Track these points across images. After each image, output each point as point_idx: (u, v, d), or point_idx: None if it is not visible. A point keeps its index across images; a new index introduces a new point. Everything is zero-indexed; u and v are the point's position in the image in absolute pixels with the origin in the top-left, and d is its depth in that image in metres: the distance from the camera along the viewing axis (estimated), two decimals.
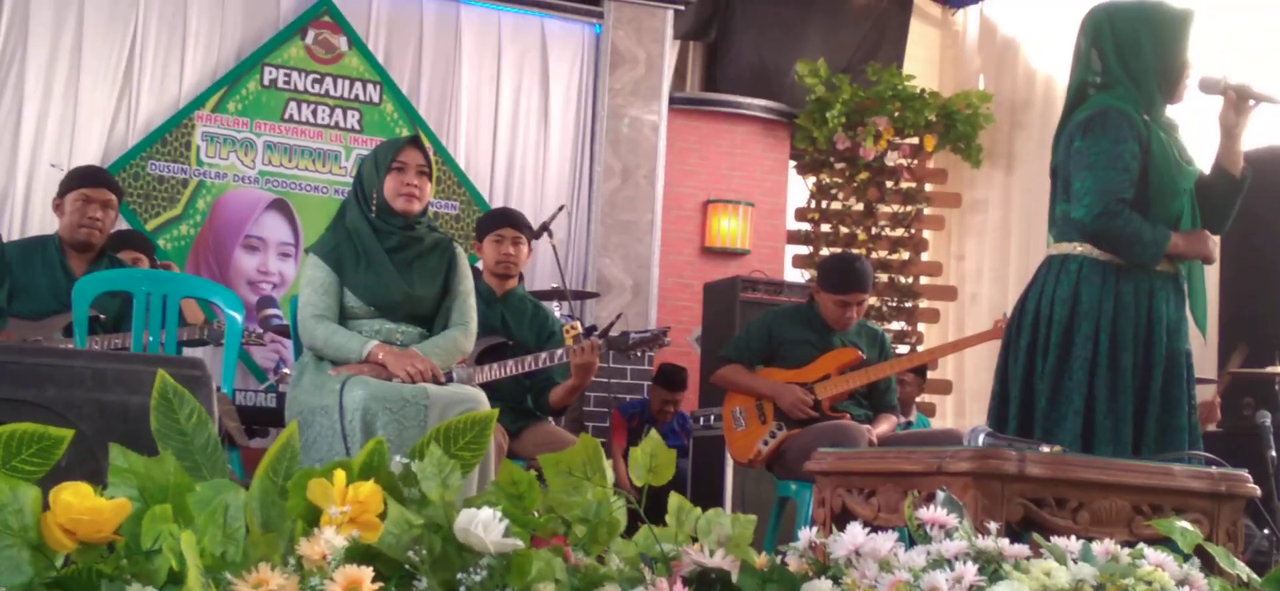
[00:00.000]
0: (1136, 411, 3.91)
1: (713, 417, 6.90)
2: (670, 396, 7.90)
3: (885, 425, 5.68)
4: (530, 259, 6.60)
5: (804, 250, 9.52)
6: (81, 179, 5.51)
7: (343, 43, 8.41)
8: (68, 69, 7.82)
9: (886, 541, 2.07)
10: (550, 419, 5.50)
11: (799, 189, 9.77)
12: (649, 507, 2.20)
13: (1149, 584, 2.11)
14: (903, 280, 9.41)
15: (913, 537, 2.21)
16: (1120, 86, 4.00)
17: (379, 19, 8.53)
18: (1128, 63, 4.00)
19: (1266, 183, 7.48)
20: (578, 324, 6.44)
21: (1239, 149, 4.01)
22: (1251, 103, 3.99)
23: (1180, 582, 2.16)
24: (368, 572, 1.75)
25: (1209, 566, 2.39)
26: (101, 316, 5.26)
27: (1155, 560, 2.18)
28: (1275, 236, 7.41)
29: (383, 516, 1.89)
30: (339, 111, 8.37)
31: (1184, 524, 2.42)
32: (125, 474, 1.89)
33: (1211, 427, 6.91)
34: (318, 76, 8.34)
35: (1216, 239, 4.09)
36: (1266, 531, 6.12)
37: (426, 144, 4.80)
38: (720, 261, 9.20)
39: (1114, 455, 3.76)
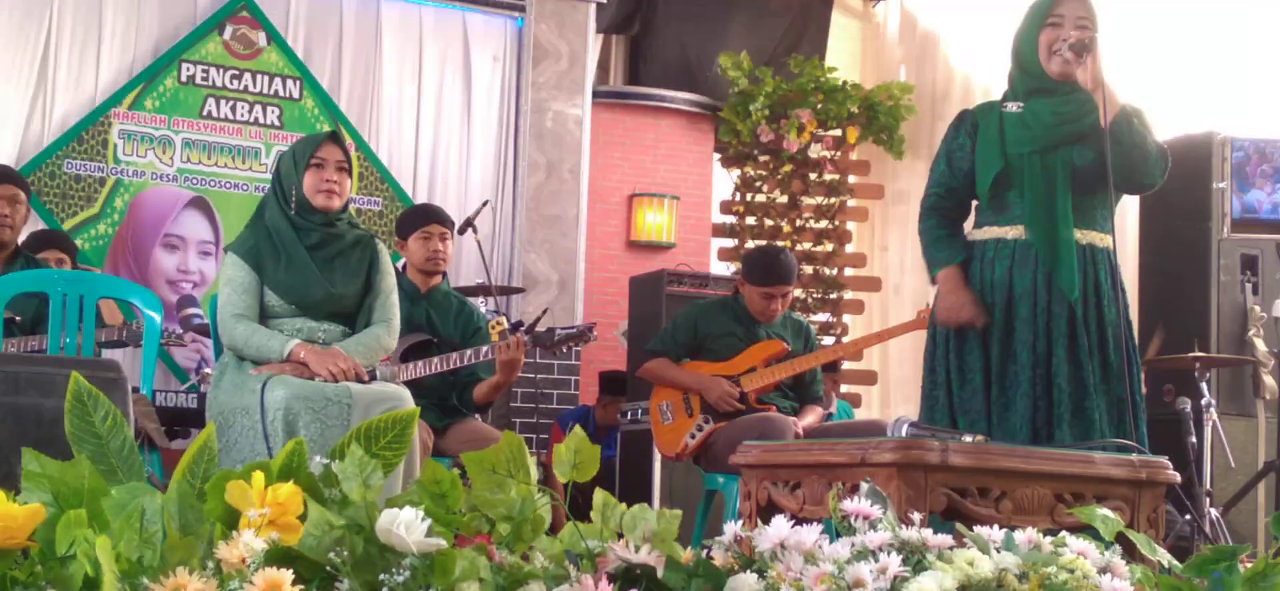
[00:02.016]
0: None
1: (639, 412, 6.90)
2: (615, 402, 7.86)
3: (811, 416, 5.70)
4: (454, 255, 6.56)
5: (729, 243, 9.54)
6: None
7: (261, 38, 8.33)
8: None
9: (811, 534, 2.07)
10: (476, 415, 5.47)
11: (724, 181, 9.79)
12: (575, 504, 2.19)
13: (1071, 571, 2.13)
14: (827, 272, 9.45)
15: (837, 530, 2.21)
16: None
17: (298, 14, 8.45)
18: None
19: (1184, 170, 7.60)
20: (503, 319, 6.40)
21: (1104, 95, 4.06)
22: (1074, 47, 4.11)
23: (1102, 570, 2.18)
24: (288, 575, 1.73)
25: (1131, 553, 2.41)
26: (17, 318, 5.18)
27: (1077, 548, 2.19)
28: (1192, 223, 7.51)
29: (303, 518, 1.87)
30: (258, 107, 8.28)
31: (1105, 511, 2.44)
32: (39, 478, 1.86)
33: None
34: (236, 72, 8.25)
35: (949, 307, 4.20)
36: (1188, 517, 6.21)
37: (346, 139, 4.76)
38: (646, 255, 9.20)
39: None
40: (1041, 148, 4.13)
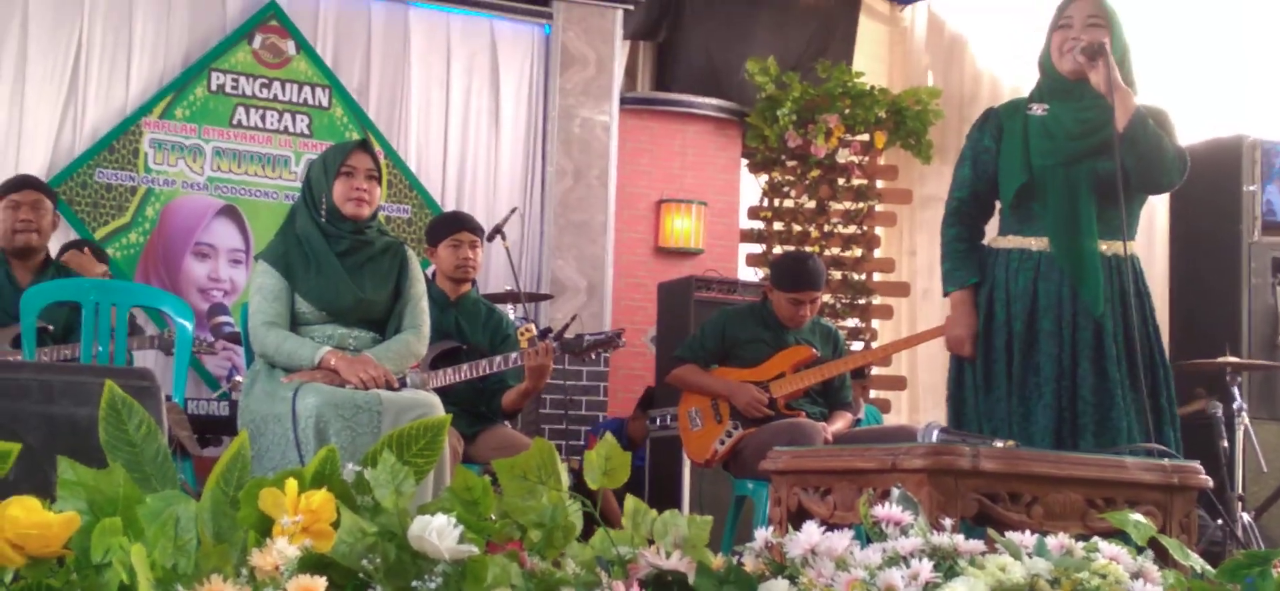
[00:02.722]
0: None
1: (669, 418, 6.89)
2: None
3: (840, 422, 5.69)
4: (483, 262, 6.58)
5: (757, 249, 9.52)
6: (3, 188, 5.49)
7: (290, 46, 8.36)
8: (12, 79, 7.73)
9: (842, 540, 2.07)
10: (505, 422, 5.48)
11: (751, 187, 9.78)
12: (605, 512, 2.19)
13: (1103, 577, 2.12)
14: (855, 277, 9.43)
15: (868, 535, 2.21)
16: None
17: (327, 22, 8.48)
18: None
19: (1213, 173, 7.58)
20: (532, 326, 6.42)
21: (1117, 102, 4.04)
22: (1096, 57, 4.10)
23: (1134, 575, 2.17)
24: (321, 582, 1.73)
25: (1163, 558, 2.40)
26: (50, 327, 5.21)
27: (1109, 553, 2.18)
28: (1222, 226, 7.47)
29: (336, 525, 1.87)
30: (288, 116, 8.31)
31: (1137, 516, 2.44)
32: (74, 487, 1.87)
33: None
34: (266, 81, 8.28)
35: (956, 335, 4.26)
36: (1220, 522, 6.17)
37: (376, 147, 4.78)
38: (674, 261, 9.19)
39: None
40: (1065, 160, 4.12)
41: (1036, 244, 4.18)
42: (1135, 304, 4.10)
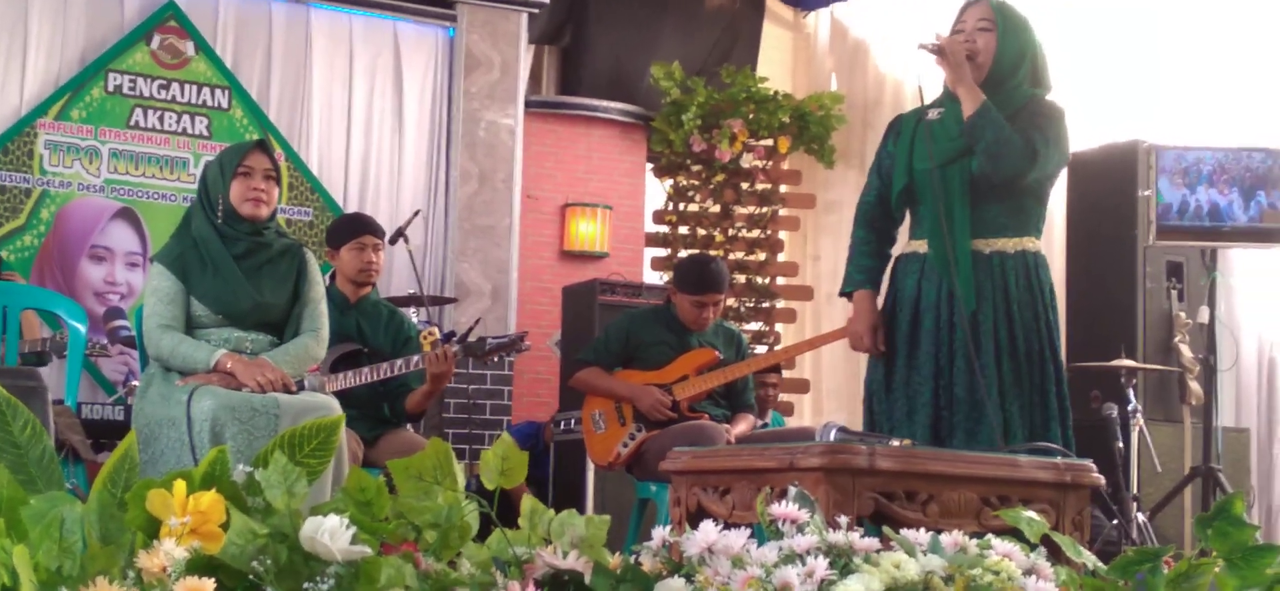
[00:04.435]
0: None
1: (573, 421, 6.88)
2: None
3: (743, 425, 5.72)
4: (385, 265, 6.53)
5: (662, 252, 9.54)
6: None
7: (190, 47, 8.25)
8: None
9: (739, 538, 2.07)
10: (408, 426, 5.45)
11: (656, 191, 9.80)
12: (503, 511, 2.18)
13: (996, 573, 2.14)
14: (759, 281, 9.48)
15: (766, 534, 2.22)
16: None
17: (227, 23, 8.37)
18: None
19: (1110, 178, 7.70)
20: (435, 330, 6.38)
21: (964, 92, 4.14)
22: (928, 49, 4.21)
23: (1027, 572, 2.19)
24: (210, 584, 1.71)
25: (1056, 556, 2.43)
26: None
27: (1003, 550, 2.21)
28: (1118, 230, 7.59)
29: (227, 527, 1.85)
30: (186, 117, 8.20)
31: (1031, 514, 2.46)
32: None
33: None
34: (164, 82, 8.16)
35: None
36: (1115, 522, 6.28)
37: (275, 148, 4.72)
38: (579, 264, 9.19)
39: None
40: (941, 161, 4.18)
41: (921, 247, 4.27)
42: (1025, 300, 4.16)
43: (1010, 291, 4.16)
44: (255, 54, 8.42)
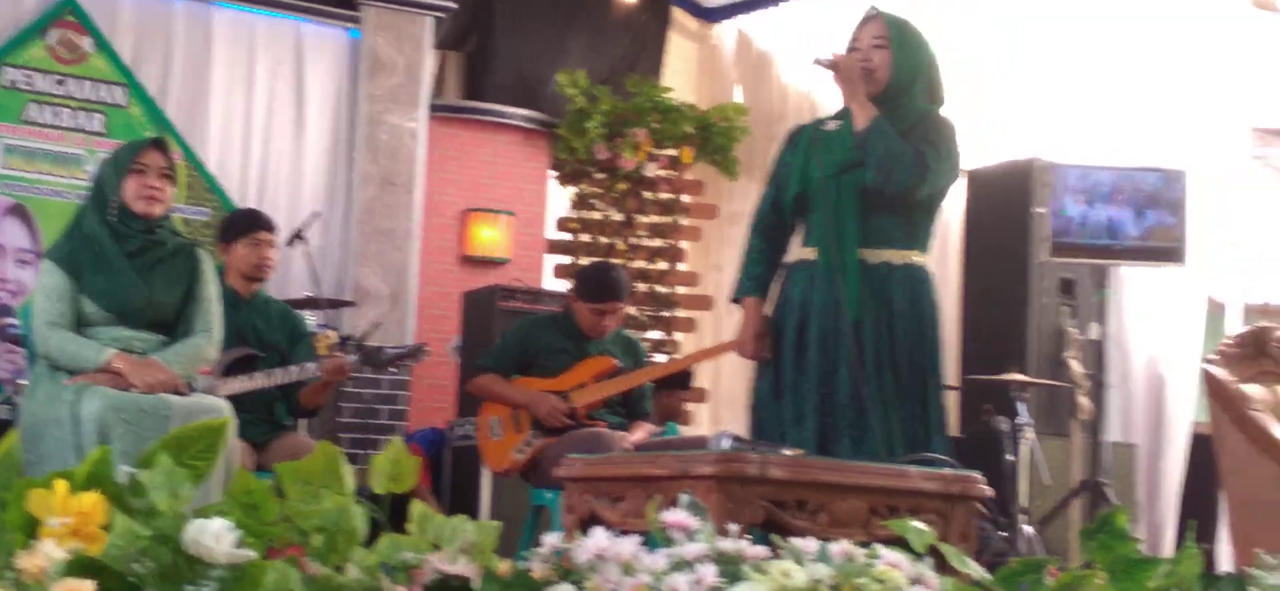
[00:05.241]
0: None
1: (469, 427, 6.86)
2: None
3: (640, 432, 5.73)
4: (282, 267, 6.47)
5: (565, 260, 9.53)
6: None
7: (87, 43, 8.12)
8: None
9: (629, 545, 2.08)
10: (301, 431, 5.41)
11: (559, 198, 9.79)
12: (397, 517, 2.17)
13: (882, 582, 2.16)
14: (661, 290, 9.50)
15: (658, 541, 2.22)
16: None
17: (126, 20, 8.25)
18: None
19: (1005, 195, 7.81)
20: (333, 334, 6.34)
21: (856, 107, 4.21)
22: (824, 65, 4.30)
23: (913, 581, 2.21)
24: (90, 585, 1.69)
25: (942, 566, 2.46)
26: None
27: (890, 560, 2.23)
28: (1012, 246, 7.70)
29: (109, 528, 1.82)
30: (82, 114, 8.07)
31: (918, 524, 2.49)
32: None
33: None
34: (60, 78, 8.03)
35: None
36: (1004, 534, 6.37)
37: (170, 145, 4.67)
38: (481, 270, 9.15)
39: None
40: (835, 171, 4.23)
41: (811, 254, 4.32)
42: (907, 313, 4.22)
43: (893, 304, 4.22)
44: (155, 52, 8.30)
